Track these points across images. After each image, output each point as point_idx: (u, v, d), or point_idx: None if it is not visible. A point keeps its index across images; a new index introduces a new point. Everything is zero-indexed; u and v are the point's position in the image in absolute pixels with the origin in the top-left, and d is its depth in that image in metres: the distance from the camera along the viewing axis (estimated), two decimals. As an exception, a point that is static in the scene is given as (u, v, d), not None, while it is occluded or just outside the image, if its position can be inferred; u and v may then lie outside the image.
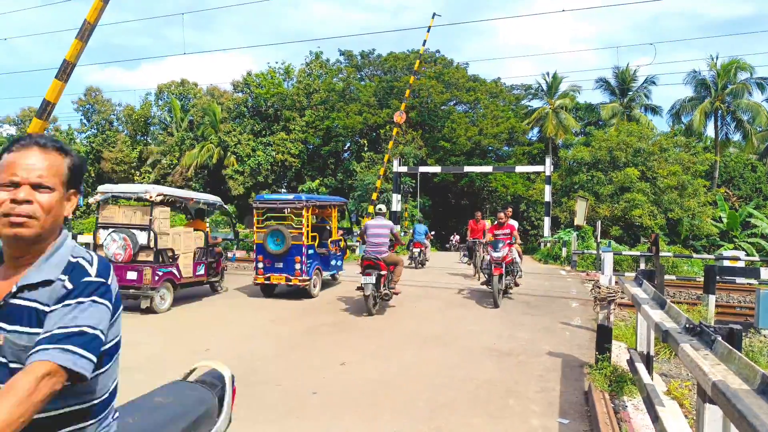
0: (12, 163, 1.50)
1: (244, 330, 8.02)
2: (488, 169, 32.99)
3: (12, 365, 1.43)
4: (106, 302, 1.59)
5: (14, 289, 1.47)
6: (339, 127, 38.32)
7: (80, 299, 1.48)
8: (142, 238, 8.93)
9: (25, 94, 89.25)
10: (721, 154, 36.09)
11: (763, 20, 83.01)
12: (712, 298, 10.28)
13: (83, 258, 1.58)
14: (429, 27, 24.67)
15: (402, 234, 21.08)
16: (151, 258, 8.91)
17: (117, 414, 1.83)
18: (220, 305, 10.15)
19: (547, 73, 40.90)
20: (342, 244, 12.67)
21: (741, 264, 15.29)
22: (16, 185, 1.48)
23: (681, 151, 29.15)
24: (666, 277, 13.67)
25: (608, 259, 6.22)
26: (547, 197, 27.44)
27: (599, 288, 5.95)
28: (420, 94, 37.45)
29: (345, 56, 42.40)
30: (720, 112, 35.22)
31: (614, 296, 5.90)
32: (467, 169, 32.33)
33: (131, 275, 8.75)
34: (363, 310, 9.24)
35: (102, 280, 1.59)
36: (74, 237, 11.87)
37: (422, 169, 31.22)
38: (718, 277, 11.06)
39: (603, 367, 5.71)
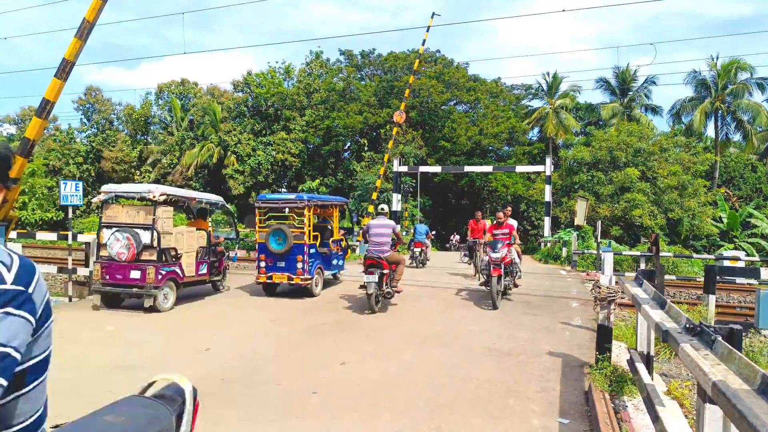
0: None
1: (246, 329, 8.03)
2: (488, 168, 32.98)
3: None
4: (24, 314, 1.35)
5: None
6: (339, 126, 38.32)
7: None
8: (145, 237, 8.98)
9: (25, 94, 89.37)
10: (722, 154, 36.09)
11: (764, 20, 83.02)
12: (712, 298, 10.29)
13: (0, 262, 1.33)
14: (428, 27, 24.69)
15: (404, 234, 21.09)
16: (154, 257, 8.96)
17: None
18: (222, 304, 10.18)
19: (548, 73, 40.98)
20: (343, 243, 12.69)
21: (741, 264, 15.29)
22: None
23: (681, 151, 29.16)
24: (666, 277, 13.68)
25: (608, 259, 6.23)
26: (548, 197, 27.43)
27: (599, 288, 5.95)
28: (420, 94, 37.44)
29: (345, 56, 42.42)
30: (720, 112, 35.22)
31: (614, 296, 5.90)
32: (467, 168, 32.32)
33: (135, 274, 8.82)
34: (363, 310, 9.31)
35: (20, 288, 1.34)
36: (74, 236, 11.86)
37: (422, 168, 31.21)
38: (718, 277, 11.06)
39: (603, 367, 5.71)
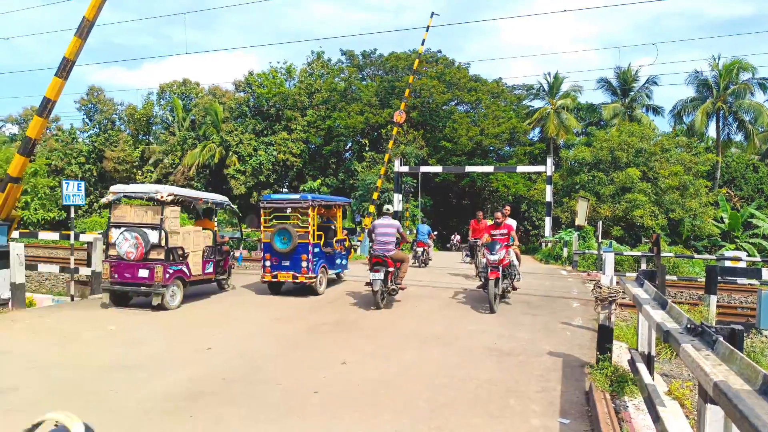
0: None
1: (248, 328, 8.05)
2: (489, 169, 32.97)
3: None
4: None
5: None
6: (340, 126, 38.32)
7: None
8: (153, 236, 9.14)
9: (28, 94, 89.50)
10: (723, 154, 36.05)
11: (765, 20, 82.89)
12: (713, 299, 10.29)
13: None
14: (428, 27, 24.71)
15: (407, 233, 21.17)
16: (162, 256, 9.12)
17: None
18: (226, 303, 10.28)
19: (549, 73, 40.93)
20: (347, 243, 12.84)
21: (742, 264, 15.28)
22: None
23: (682, 152, 29.14)
24: (667, 277, 13.67)
25: (609, 259, 6.23)
26: (549, 197, 27.41)
27: (600, 288, 5.95)
28: (421, 94, 37.43)
29: (346, 56, 42.40)
30: (722, 112, 35.18)
31: (615, 296, 5.90)
32: (468, 169, 32.30)
33: (143, 273, 8.99)
34: (367, 308, 9.47)
35: None
36: (77, 236, 11.89)
37: (423, 168, 31.20)
38: (719, 278, 11.05)
39: (604, 367, 5.71)
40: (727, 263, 15.33)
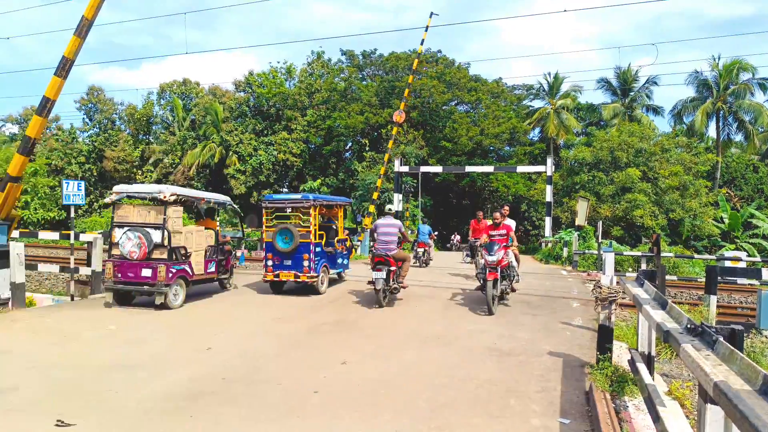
0: None
1: (248, 328, 8.05)
2: (489, 169, 32.97)
3: None
4: None
5: None
6: (340, 126, 38.31)
7: None
8: (156, 236, 9.19)
9: (28, 93, 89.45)
10: (723, 154, 36.04)
11: (765, 20, 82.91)
12: (713, 299, 10.29)
13: None
14: (427, 26, 24.72)
15: (409, 233, 21.23)
16: (165, 256, 9.17)
17: None
18: (228, 302, 10.33)
19: (549, 73, 40.93)
20: (348, 243, 12.92)
21: (742, 265, 15.28)
22: None
23: (682, 152, 29.13)
24: (667, 277, 13.67)
25: (609, 259, 6.23)
26: (549, 197, 27.42)
27: (600, 288, 5.95)
28: (421, 94, 37.42)
29: (347, 56, 42.39)
30: (722, 112, 35.17)
31: (615, 296, 5.91)
32: (468, 169, 32.31)
33: (146, 272, 9.04)
34: (366, 309, 9.49)
35: None
36: (77, 236, 11.89)
37: (423, 168, 31.20)
38: (719, 278, 11.05)
39: (604, 367, 5.71)
40: (727, 263, 15.33)
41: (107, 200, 9.90)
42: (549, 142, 39.44)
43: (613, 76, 39.46)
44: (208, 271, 10.40)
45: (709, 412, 2.54)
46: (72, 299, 11.42)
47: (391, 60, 39.38)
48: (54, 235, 14.87)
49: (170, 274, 9.08)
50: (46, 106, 11.03)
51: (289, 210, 10.99)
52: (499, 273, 9.20)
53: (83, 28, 11.08)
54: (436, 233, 23.70)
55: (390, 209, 10.52)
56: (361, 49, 48.82)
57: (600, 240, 18.71)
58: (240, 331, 7.83)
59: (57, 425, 4.25)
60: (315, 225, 10.75)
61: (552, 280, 14.99)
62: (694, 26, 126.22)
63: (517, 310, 9.61)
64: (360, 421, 4.49)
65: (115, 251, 9.33)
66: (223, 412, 4.60)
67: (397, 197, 29.01)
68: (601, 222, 19.38)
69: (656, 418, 3.75)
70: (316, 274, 10.69)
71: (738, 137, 37.09)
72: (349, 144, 41.62)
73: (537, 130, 41.78)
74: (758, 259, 20.17)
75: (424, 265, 17.32)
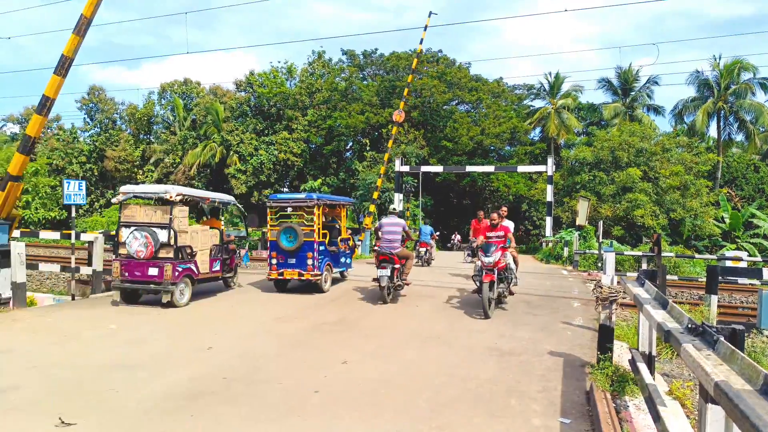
0: None
1: (249, 327, 8.06)
2: (490, 168, 32.96)
3: None
4: None
5: None
6: (341, 126, 38.31)
7: None
8: (162, 236, 9.33)
9: (29, 93, 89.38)
10: (724, 154, 36.00)
11: (766, 20, 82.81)
12: (714, 299, 10.28)
13: None
14: (426, 26, 24.75)
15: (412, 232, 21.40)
16: (171, 255, 9.31)
17: None
18: (232, 301, 10.45)
19: (550, 73, 40.91)
20: (350, 242, 13.06)
21: (743, 264, 15.27)
22: None
23: (683, 152, 29.10)
24: (668, 277, 13.65)
25: (610, 259, 6.23)
26: (549, 197, 27.41)
27: (601, 288, 5.95)
28: (422, 94, 37.42)
29: (347, 56, 42.40)
30: (723, 112, 35.13)
31: (616, 296, 5.90)
32: (469, 168, 32.31)
33: (153, 271, 9.19)
34: (368, 308, 9.60)
35: None
36: (77, 235, 11.90)
37: (424, 168, 31.20)
38: (720, 278, 11.04)
39: (605, 366, 5.71)
40: (728, 263, 15.31)
41: (114, 200, 10.04)
42: (550, 141, 39.41)
43: (613, 75, 39.49)
44: (213, 269, 10.55)
45: (710, 412, 2.53)
46: (73, 299, 11.43)
47: (392, 60, 39.38)
48: (55, 235, 14.90)
49: (176, 273, 9.23)
50: (45, 104, 11.04)
51: (291, 209, 11.19)
52: (496, 275, 8.96)
53: (82, 27, 11.09)
54: (437, 233, 23.77)
55: (394, 209, 10.76)
56: (362, 48, 48.88)
57: (601, 240, 18.70)
58: (240, 331, 7.83)
59: (57, 425, 4.25)
60: (319, 224, 10.90)
61: (553, 279, 14.99)
62: (695, 26, 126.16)
63: (517, 310, 9.60)
64: (360, 420, 4.49)
65: (122, 250, 9.46)
66: (224, 412, 4.60)
67: (398, 197, 29.00)
68: (601, 222, 19.38)
69: (657, 418, 3.75)
70: (319, 273, 10.84)
71: (739, 137, 37.07)
72: (350, 144, 41.62)
73: (538, 129, 41.75)
74: (759, 258, 20.14)
75: (426, 264, 17.50)
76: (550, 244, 24.77)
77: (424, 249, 17.63)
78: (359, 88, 39.63)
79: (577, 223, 21.71)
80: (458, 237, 34.28)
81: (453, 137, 37.23)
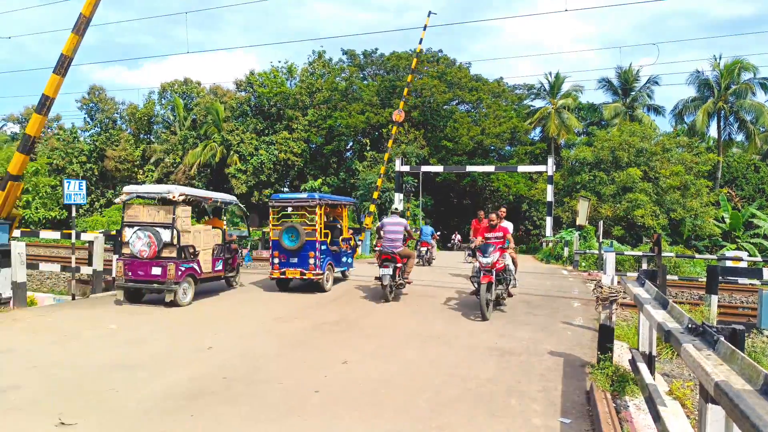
0: None
1: (250, 327, 8.06)
2: (490, 168, 32.97)
3: None
4: None
5: None
6: (341, 126, 38.32)
7: None
8: (165, 235, 9.40)
9: (29, 93, 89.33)
10: (724, 154, 36.00)
11: (766, 20, 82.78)
12: (714, 299, 10.28)
13: None
14: (425, 26, 24.78)
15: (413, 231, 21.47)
16: (174, 254, 9.38)
17: None
18: (233, 300, 10.49)
19: (550, 73, 40.93)
20: (352, 242, 13.15)
21: (743, 264, 15.27)
22: None
23: (684, 152, 29.09)
24: (668, 277, 13.66)
25: (610, 259, 6.23)
26: (549, 197, 27.41)
27: (601, 288, 5.95)
28: (422, 94, 37.43)
29: (348, 56, 42.41)
30: (723, 112, 35.12)
31: (616, 296, 5.90)
32: (469, 168, 32.31)
33: (156, 270, 9.25)
34: (369, 307, 9.64)
35: None
36: (78, 235, 11.90)
37: (424, 168, 31.20)
38: (720, 278, 11.04)
39: (605, 366, 5.71)
40: (729, 263, 15.31)
41: (118, 200, 10.10)
42: (550, 141, 39.42)
43: (614, 75, 39.51)
44: (216, 269, 10.63)
45: (710, 412, 2.53)
46: (73, 298, 11.44)
47: (392, 59, 39.39)
48: (55, 235, 14.90)
49: (179, 272, 9.30)
50: (45, 104, 11.06)
51: (290, 209, 11.27)
52: (494, 276, 8.75)
53: (81, 26, 11.12)
54: (438, 233, 23.84)
55: (396, 209, 10.93)
56: (363, 48, 48.87)
57: (601, 240, 18.70)
58: (240, 331, 7.83)
59: (57, 425, 4.25)
60: (321, 224, 10.98)
61: (553, 279, 15.00)
62: (696, 26, 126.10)
63: (517, 310, 9.60)
64: (360, 420, 4.49)
65: (125, 250, 9.52)
66: (224, 412, 4.60)
67: (398, 197, 29.00)
68: (602, 222, 19.37)
69: (657, 418, 3.75)
70: (321, 272, 10.92)
71: (739, 137, 37.08)
72: (350, 143, 41.64)
73: (538, 129, 41.76)
74: (759, 258, 20.14)
75: (427, 264, 17.64)
76: (551, 244, 24.77)
77: (425, 249, 17.77)
78: (359, 88, 39.64)
79: (577, 223, 21.71)
80: (458, 237, 34.30)
81: (453, 137, 37.24)
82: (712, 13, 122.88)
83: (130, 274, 9.40)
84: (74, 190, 11.42)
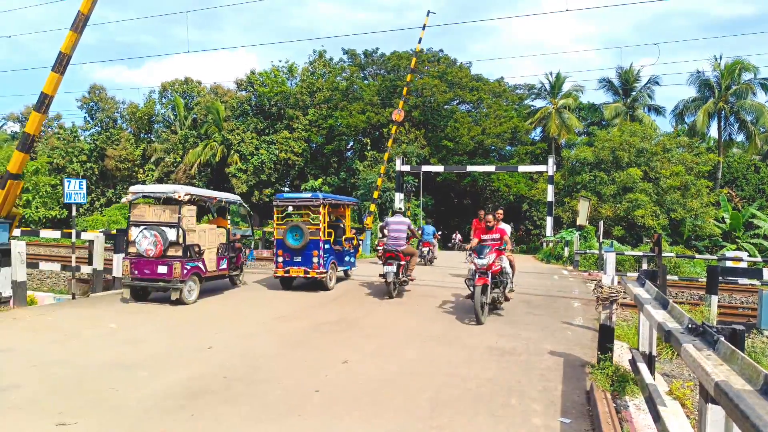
0: None
1: (250, 327, 8.06)
2: (491, 168, 32.96)
3: None
4: None
5: None
6: (342, 125, 38.31)
7: None
8: (171, 234, 9.49)
9: (30, 92, 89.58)
10: (725, 154, 35.97)
11: (767, 20, 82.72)
12: (714, 299, 10.29)
13: None
14: (424, 25, 24.79)
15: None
16: (179, 253, 9.47)
17: None
18: (236, 299, 10.57)
19: (551, 73, 40.89)
20: (355, 241, 13.23)
21: (744, 265, 15.27)
22: None
23: (684, 152, 29.07)
24: (668, 277, 13.66)
25: (611, 259, 6.23)
26: (550, 197, 27.40)
27: (601, 288, 5.95)
28: (423, 94, 37.42)
29: (348, 55, 42.40)
30: (723, 112, 35.10)
31: (616, 296, 5.91)
32: (470, 168, 32.31)
33: (162, 269, 9.36)
34: (369, 307, 9.69)
35: None
36: (78, 234, 11.90)
37: (425, 168, 31.19)
38: (720, 278, 11.05)
39: (605, 366, 5.71)
40: (729, 263, 15.32)
41: (124, 200, 10.24)
42: (550, 141, 39.41)
43: (614, 75, 39.47)
44: (220, 267, 10.75)
45: (710, 412, 2.53)
46: (73, 297, 11.44)
47: (393, 59, 39.38)
48: (55, 234, 14.91)
49: (185, 271, 9.40)
50: (44, 102, 11.06)
51: (291, 208, 11.39)
52: (490, 278, 8.46)
53: (79, 23, 11.13)
54: (439, 233, 23.87)
55: (400, 208, 11.20)
56: (363, 48, 48.76)
57: (601, 240, 18.70)
58: (241, 330, 7.83)
59: (58, 424, 4.25)
60: (324, 223, 11.08)
61: (553, 279, 15.00)
62: (696, 26, 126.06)
63: (518, 310, 9.60)
64: (361, 420, 4.49)
65: (131, 249, 9.63)
66: (224, 412, 4.60)
67: (399, 196, 28.99)
68: (602, 222, 19.37)
69: (657, 418, 3.75)
70: (324, 271, 11.04)
71: (739, 137, 37.03)
72: (351, 143, 41.63)
73: (538, 129, 41.74)
74: (759, 259, 20.14)
75: (428, 263, 17.76)
76: (551, 244, 24.77)
77: (427, 249, 17.91)
78: (360, 88, 39.63)
79: (577, 223, 21.69)
80: (459, 237, 34.33)
81: (454, 137, 37.23)
82: (712, 13, 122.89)
83: (136, 272, 9.51)
84: (74, 189, 11.43)
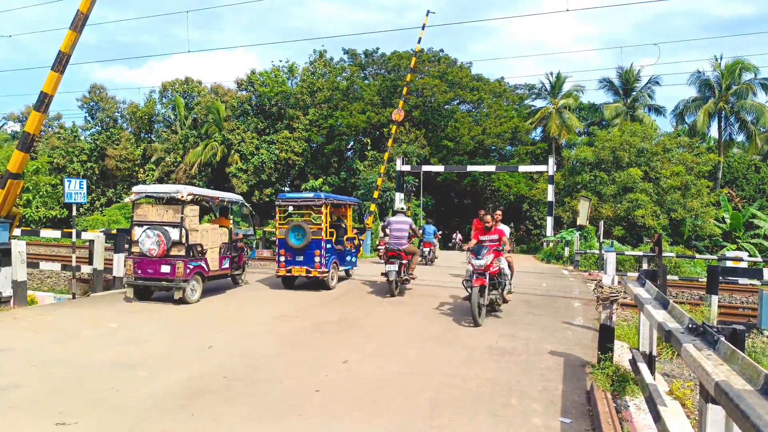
0: None
1: (251, 326, 8.06)
2: (491, 168, 32.95)
3: None
4: None
5: None
6: (342, 125, 38.30)
7: None
8: (174, 234, 9.56)
9: (30, 91, 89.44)
10: (725, 154, 35.95)
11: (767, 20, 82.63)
12: (714, 299, 10.29)
13: None
14: (424, 25, 24.80)
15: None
16: (182, 253, 9.54)
17: None
18: (238, 298, 10.62)
19: (551, 73, 40.85)
20: (356, 241, 13.30)
21: (744, 265, 15.26)
22: None
23: (684, 152, 29.06)
24: (669, 277, 13.66)
25: (611, 259, 6.23)
26: (550, 197, 27.40)
27: (602, 288, 5.95)
28: (424, 94, 37.41)
29: (349, 55, 42.38)
30: (724, 112, 35.08)
31: (617, 296, 5.91)
32: (470, 168, 32.30)
33: (165, 269, 9.42)
34: (370, 307, 9.72)
35: None
36: (78, 234, 11.91)
37: (425, 168, 31.18)
38: (721, 278, 11.04)
39: (605, 366, 5.71)
40: (729, 263, 15.30)
41: (127, 200, 10.27)
42: (551, 141, 39.40)
43: (615, 75, 39.45)
44: (223, 267, 10.81)
45: (710, 412, 2.53)
46: (73, 297, 11.44)
47: (393, 59, 39.37)
48: (56, 233, 14.90)
49: (188, 270, 9.46)
50: (44, 101, 11.06)
51: (293, 208, 11.46)
52: (487, 280, 8.32)
53: (79, 23, 11.13)
54: (439, 233, 23.88)
55: (402, 208, 11.43)
56: (364, 48, 48.73)
57: (601, 240, 18.70)
58: (241, 330, 7.83)
59: (58, 424, 4.25)
60: (326, 223, 11.14)
61: (553, 279, 15.00)
62: (697, 26, 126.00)
63: (518, 310, 9.61)
64: (361, 420, 4.49)
65: (135, 249, 9.69)
66: (224, 411, 4.60)
67: (399, 196, 28.99)
68: (602, 222, 19.37)
69: (657, 418, 3.75)
70: (326, 270, 11.12)
71: (740, 137, 37.01)
72: (351, 143, 41.61)
73: (539, 129, 41.73)
74: (759, 259, 20.14)
75: (429, 263, 17.83)
76: (551, 244, 24.77)
77: (428, 249, 18.00)
78: (360, 88, 39.63)
79: (578, 223, 21.69)
80: (459, 236, 34.32)
81: (454, 137, 37.22)
82: (712, 13, 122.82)
83: (139, 272, 9.58)
84: (75, 189, 11.43)
